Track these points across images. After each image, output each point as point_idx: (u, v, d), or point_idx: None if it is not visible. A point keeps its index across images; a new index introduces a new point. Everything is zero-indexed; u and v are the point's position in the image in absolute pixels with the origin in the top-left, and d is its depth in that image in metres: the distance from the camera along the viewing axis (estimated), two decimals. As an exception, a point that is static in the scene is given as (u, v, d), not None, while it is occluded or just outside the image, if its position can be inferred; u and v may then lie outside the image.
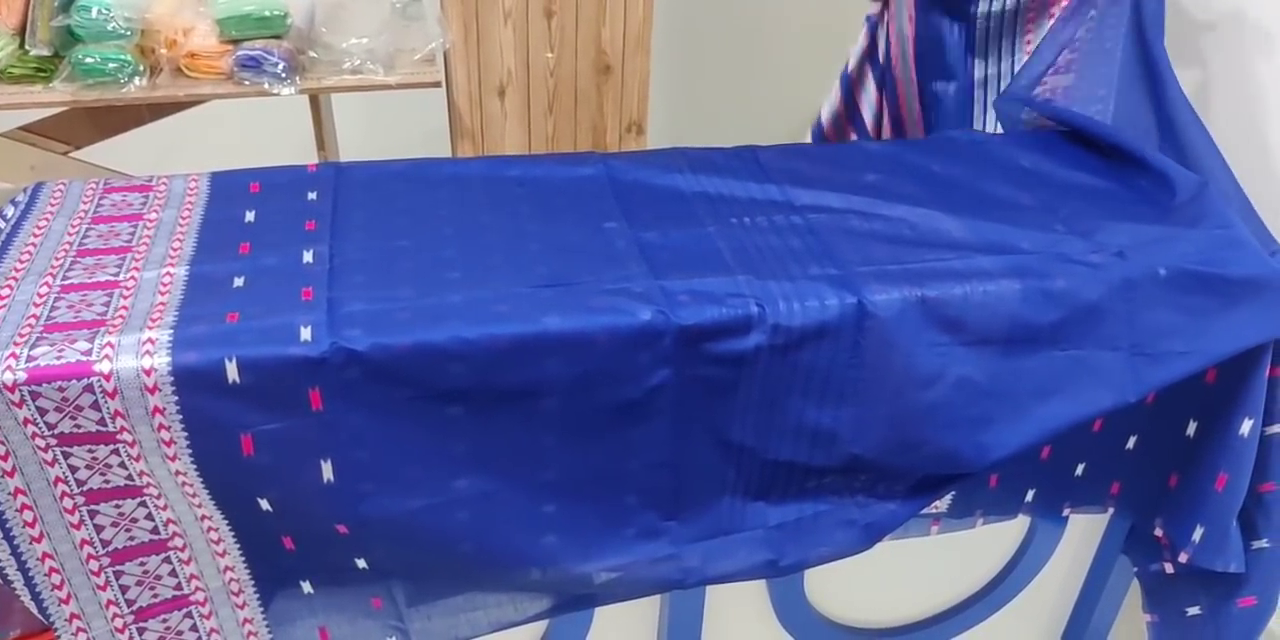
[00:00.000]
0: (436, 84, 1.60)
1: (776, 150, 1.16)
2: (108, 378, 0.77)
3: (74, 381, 0.77)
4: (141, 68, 1.52)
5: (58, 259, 0.92)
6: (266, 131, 2.02)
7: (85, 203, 1.01)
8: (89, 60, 1.49)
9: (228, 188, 1.04)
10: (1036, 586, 1.27)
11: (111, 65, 1.50)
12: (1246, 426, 1.01)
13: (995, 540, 1.24)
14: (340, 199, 1.02)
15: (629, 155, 1.15)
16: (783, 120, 2.13)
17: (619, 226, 0.99)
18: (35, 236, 0.95)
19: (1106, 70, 1.16)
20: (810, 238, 0.98)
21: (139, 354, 0.79)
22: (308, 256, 0.92)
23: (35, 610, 0.86)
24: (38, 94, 1.51)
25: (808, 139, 1.53)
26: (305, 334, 0.81)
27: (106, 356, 0.78)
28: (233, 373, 0.79)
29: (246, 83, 1.54)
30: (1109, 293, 0.94)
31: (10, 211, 1.01)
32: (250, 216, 0.99)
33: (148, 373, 0.78)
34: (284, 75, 1.53)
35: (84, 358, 0.78)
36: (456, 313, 0.85)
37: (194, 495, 0.85)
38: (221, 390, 0.79)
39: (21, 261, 0.91)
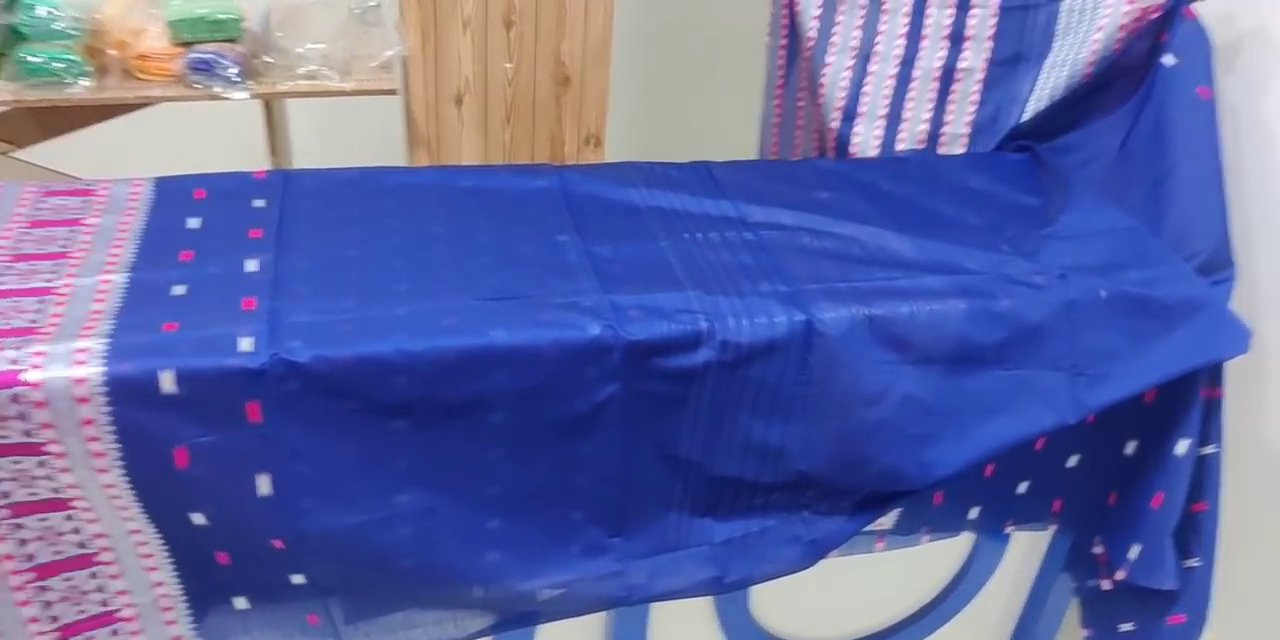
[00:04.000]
0: (392, 92, 1.59)
1: (731, 166, 1.16)
2: (36, 387, 0.75)
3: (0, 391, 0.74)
4: (89, 68, 1.48)
5: None
6: (218, 136, 1.99)
7: (22, 206, 0.98)
8: (34, 59, 1.46)
9: (172, 194, 1.02)
10: (980, 603, 1.28)
11: (58, 65, 1.46)
12: (1183, 447, 1.03)
13: (939, 557, 1.25)
14: (287, 207, 1.00)
15: (584, 168, 1.15)
16: (742, 133, 2.15)
17: (571, 239, 0.98)
18: None
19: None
20: (761, 254, 0.99)
21: (70, 363, 0.76)
22: (251, 265, 0.90)
23: (-48, 627, 0.83)
24: (-22, 92, 1.47)
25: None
26: (245, 345, 0.79)
27: (35, 366, 0.76)
28: (168, 384, 0.77)
29: (198, 86, 1.51)
30: (1052, 314, 0.96)
31: None
32: (194, 223, 0.97)
33: (79, 382, 0.76)
34: (237, 79, 1.51)
35: (11, 367, 0.75)
36: (402, 324, 0.84)
37: (125, 508, 0.82)
38: (156, 402, 0.77)
39: None
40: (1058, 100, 1.22)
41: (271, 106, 1.75)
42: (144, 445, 0.79)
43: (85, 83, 1.48)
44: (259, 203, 1.01)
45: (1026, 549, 1.25)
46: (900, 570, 1.23)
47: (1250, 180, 1.20)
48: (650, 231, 1.01)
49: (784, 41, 1.46)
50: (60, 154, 1.71)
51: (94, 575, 0.86)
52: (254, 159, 1.96)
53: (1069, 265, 0.99)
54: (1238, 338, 0.99)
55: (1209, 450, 1.06)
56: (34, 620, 0.85)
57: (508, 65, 1.61)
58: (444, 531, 0.90)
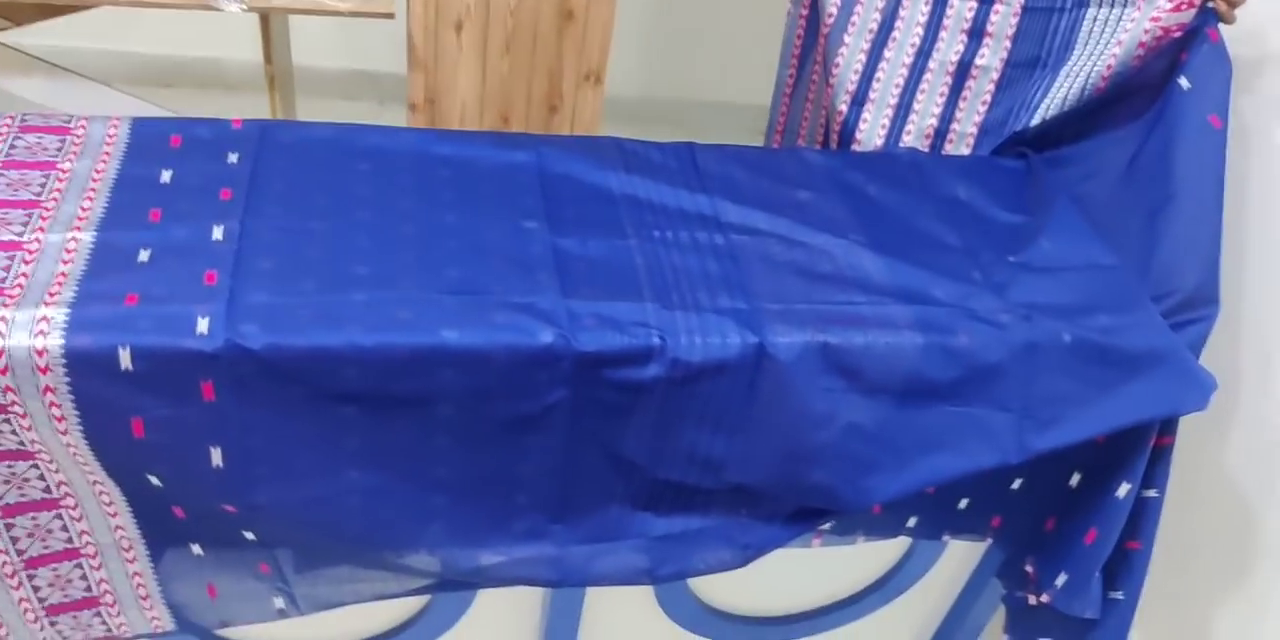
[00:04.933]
0: (389, 15, 1.55)
1: (715, 152, 1.14)
2: (-1, 354, 0.78)
3: (-37, 355, 0.78)
4: (90, -39, 1.45)
5: None
6: (218, 29, 1.94)
7: None
8: (34, -43, 1.43)
9: (147, 138, 1.01)
10: (911, 596, 1.34)
11: (55, -37, 1.43)
12: (1124, 490, 1.04)
13: (877, 550, 1.29)
14: (260, 165, 1.00)
15: (564, 142, 1.13)
16: (742, 79, 2.09)
17: (538, 227, 0.98)
18: None
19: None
20: (728, 262, 0.98)
21: (33, 333, 0.79)
22: (217, 232, 0.91)
23: (-76, 556, 0.89)
24: (-21, -25, 1.45)
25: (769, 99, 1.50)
26: (202, 326, 0.82)
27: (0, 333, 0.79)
28: (125, 360, 0.80)
29: None
30: (1010, 355, 0.95)
31: None
32: (166, 177, 0.97)
33: (39, 353, 0.78)
34: None
35: (-25, 331, 0.78)
36: (356, 316, 0.85)
37: (85, 464, 0.87)
38: (114, 375, 0.80)
39: None
40: (1067, 110, 1.18)
41: (269, 20, 1.71)
42: (102, 413, 0.82)
43: None
44: (233, 157, 1.00)
45: (963, 551, 1.29)
46: (838, 557, 1.28)
47: (1252, 204, 1.17)
48: (620, 225, 1.00)
49: (804, 12, 1.40)
50: (59, 31, 1.67)
51: (58, 516, 0.92)
52: (252, 63, 1.91)
53: (1037, 303, 0.98)
54: (1199, 393, 0.99)
55: (1151, 493, 1.07)
56: (1, 552, 0.91)
57: None
58: (391, 503, 0.94)
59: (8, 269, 0.85)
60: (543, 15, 1.60)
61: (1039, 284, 1.01)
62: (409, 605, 1.14)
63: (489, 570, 1.01)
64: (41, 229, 0.89)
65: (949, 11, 1.24)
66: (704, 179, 1.09)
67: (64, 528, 0.93)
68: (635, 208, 1.03)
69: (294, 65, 1.90)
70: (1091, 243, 1.07)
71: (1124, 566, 1.10)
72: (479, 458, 0.93)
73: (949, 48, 1.25)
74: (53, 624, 0.97)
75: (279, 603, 1.02)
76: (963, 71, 1.26)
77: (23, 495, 0.89)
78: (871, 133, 1.32)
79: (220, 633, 1.08)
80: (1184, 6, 1.08)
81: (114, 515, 0.93)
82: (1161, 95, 1.11)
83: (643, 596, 1.21)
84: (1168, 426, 1.03)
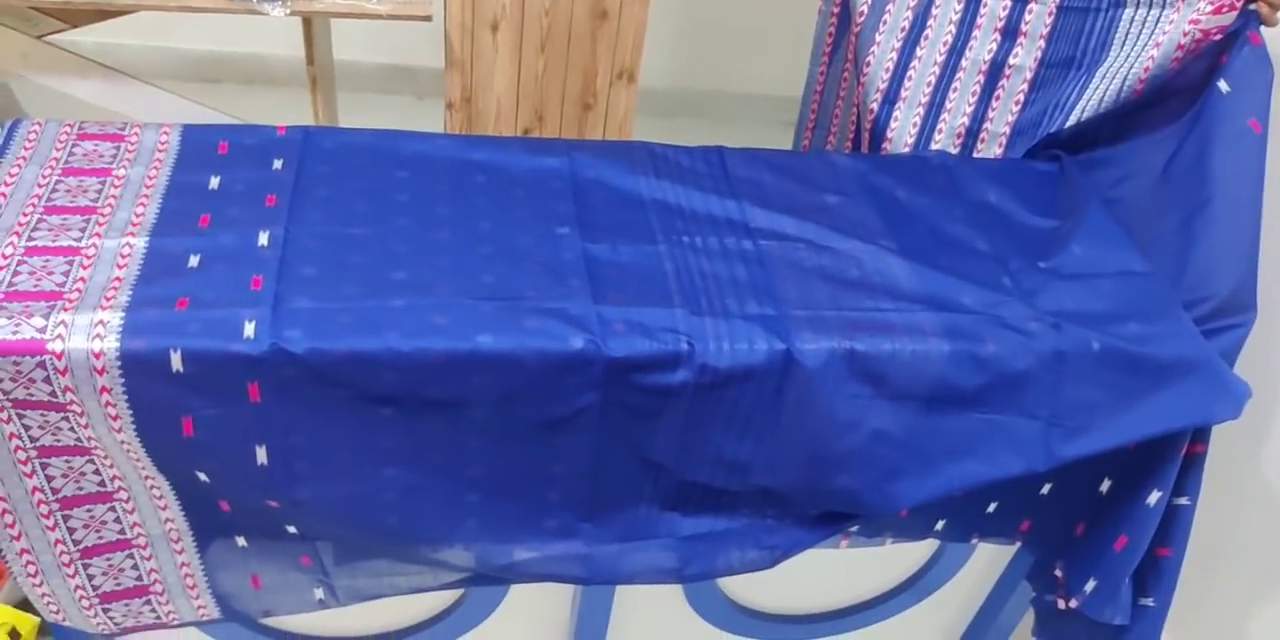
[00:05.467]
0: (426, 17, 1.58)
1: (744, 156, 1.15)
2: (59, 357, 0.82)
3: (28, 357, 0.82)
4: (140, -29, 1.50)
5: (25, 215, 0.95)
6: (261, 27, 1.98)
7: (58, 150, 1.03)
8: (84, -38, 1.47)
9: (197, 146, 1.05)
10: (940, 597, 1.34)
11: (107, -33, 1.48)
12: (1154, 497, 1.04)
13: (906, 550, 1.30)
14: (303, 171, 1.03)
15: (595, 147, 1.14)
16: (774, 77, 2.09)
17: (570, 233, 1.00)
18: (6, 186, 0.98)
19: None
20: (756, 268, 0.99)
21: (90, 336, 0.83)
22: (263, 238, 0.95)
23: (-11, 544, 0.94)
24: (38, -14, 1.51)
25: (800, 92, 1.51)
26: (249, 330, 0.85)
27: (59, 336, 0.82)
28: (177, 362, 0.83)
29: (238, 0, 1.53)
30: (1038, 363, 0.95)
31: None
32: (214, 183, 1.01)
33: (97, 356, 0.82)
34: None
35: (39, 335, 0.82)
36: (395, 321, 0.88)
37: (138, 460, 0.91)
38: (166, 377, 0.84)
39: None
40: (1103, 112, 1.17)
41: (311, 25, 1.75)
42: (154, 412, 0.86)
43: None
44: (277, 164, 1.04)
45: (993, 553, 1.30)
46: (868, 556, 1.29)
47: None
48: (650, 230, 1.02)
49: (836, 10, 1.40)
50: (109, 29, 1.73)
51: (112, 509, 0.96)
52: (295, 61, 1.95)
53: (1067, 311, 0.98)
54: (1231, 402, 0.98)
55: (1182, 501, 1.06)
56: (59, 542, 0.96)
57: None
58: (426, 500, 0.97)
59: (67, 273, 0.89)
60: (577, 15, 1.62)
61: (1069, 291, 1.01)
62: (444, 599, 1.17)
63: (520, 566, 1.04)
64: (98, 234, 0.93)
65: (983, 10, 1.23)
66: (733, 183, 1.10)
67: (117, 519, 0.97)
68: (665, 213, 1.05)
69: (334, 61, 1.94)
70: (1124, 248, 1.06)
71: (1154, 573, 1.10)
72: (511, 458, 0.96)
73: (982, 46, 1.24)
74: (105, 611, 1.02)
75: (319, 594, 1.06)
76: (996, 70, 1.25)
77: (79, 488, 0.93)
78: (903, 131, 1.32)
79: (263, 622, 1.12)
80: (1225, 9, 1.07)
81: (164, 508, 0.97)
82: (1200, 98, 1.09)
83: (672, 593, 1.24)
84: (1200, 435, 1.03)
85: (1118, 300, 1.00)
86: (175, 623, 1.06)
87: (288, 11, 1.54)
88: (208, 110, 1.79)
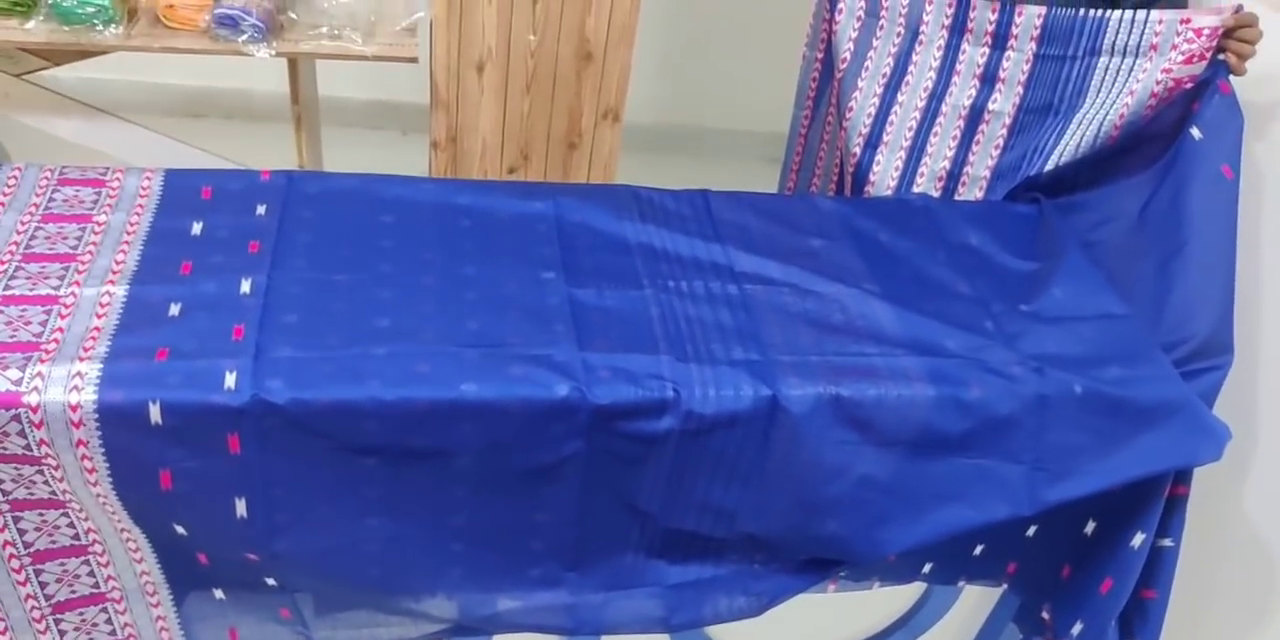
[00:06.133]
0: (413, 59, 1.60)
1: (729, 199, 1.16)
2: (35, 410, 0.81)
3: (3, 410, 0.80)
4: (118, 15, 1.51)
5: (3, 262, 0.94)
6: (246, 63, 2.00)
7: (38, 195, 1.03)
8: (66, 4, 1.48)
9: (180, 190, 1.05)
10: (928, 638, 1.34)
11: (89, 10, 1.49)
12: (1138, 540, 1.04)
13: (894, 592, 1.29)
14: (286, 217, 1.03)
15: (580, 190, 1.15)
16: (757, 116, 2.12)
17: (555, 278, 1.00)
18: None
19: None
20: (741, 313, 1.00)
21: (67, 388, 0.82)
22: (245, 286, 0.94)
23: (-42, 599, 0.92)
24: (13, 31, 1.51)
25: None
26: (229, 381, 0.84)
27: (35, 389, 0.81)
28: (155, 415, 0.82)
29: (222, 40, 1.54)
30: (1022, 407, 0.96)
31: None
32: (197, 229, 1.00)
33: (74, 408, 0.81)
34: (259, 36, 1.53)
35: (14, 387, 0.81)
36: (378, 370, 0.87)
37: (114, 513, 0.89)
38: (144, 429, 0.83)
39: None
40: (1080, 157, 1.19)
41: (296, 65, 1.76)
42: (132, 465, 0.84)
43: (115, 29, 1.51)
44: (261, 209, 1.04)
45: (980, 595, 1.29)
46: (855, 597, 1.28)
47: (1266, 250, 1.18)
48: (636, 275, 1.02)
49: (820, 56, 1.42)
50: (92, 64, 1.73)
51: (86, 562, 0.94)
52: (278, 98, 1.95)
53: (1049, 354, 0.99)
54: (1212, 444, 0.99)
55: (1166, 542, 1.07)
56: (30, 597, 0.94)
57: (531, 37, 1.60)
58: (409, 550, 0.96)
59: (44, 323, 0.88)
60: (562, 57, 1.64)
61: (1050, 334, 1.02)
62: (425, 649, 1.15)
63: (504, 616, 1.02)
64: (77, 283, 0.92)
65: (961, 57, 1.26)
66: (718, 227, 1.10)
67: (91, 573, 0.95)
68: (650, 257, 1.05)
69: (320, 96, 1.95)
70: (1103, 292, 1.08)
71: (1140, 615, 1.10)
72: (495, 507, 0.95)
73: (961, 92, 1.27)
74: (79, 667, 1.00)
75: (299, 646, 1.04)
76: (975, 115, 1.27)
77: (53, 542, 0.91)
78: (885, 175, 1.34)
79: (241, 674, 1.10)
80: (1195, 59, 1.09)
81: (139, 561, 0.95)
82: (1173, 145, 1.12)
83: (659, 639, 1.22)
84: (1183, 476, 1.03)
85: (1098, 343, 1.01)
86: (150, 677, 1.04)
87: (273, 53, 1.55)
88: (190, 148, 1.79)
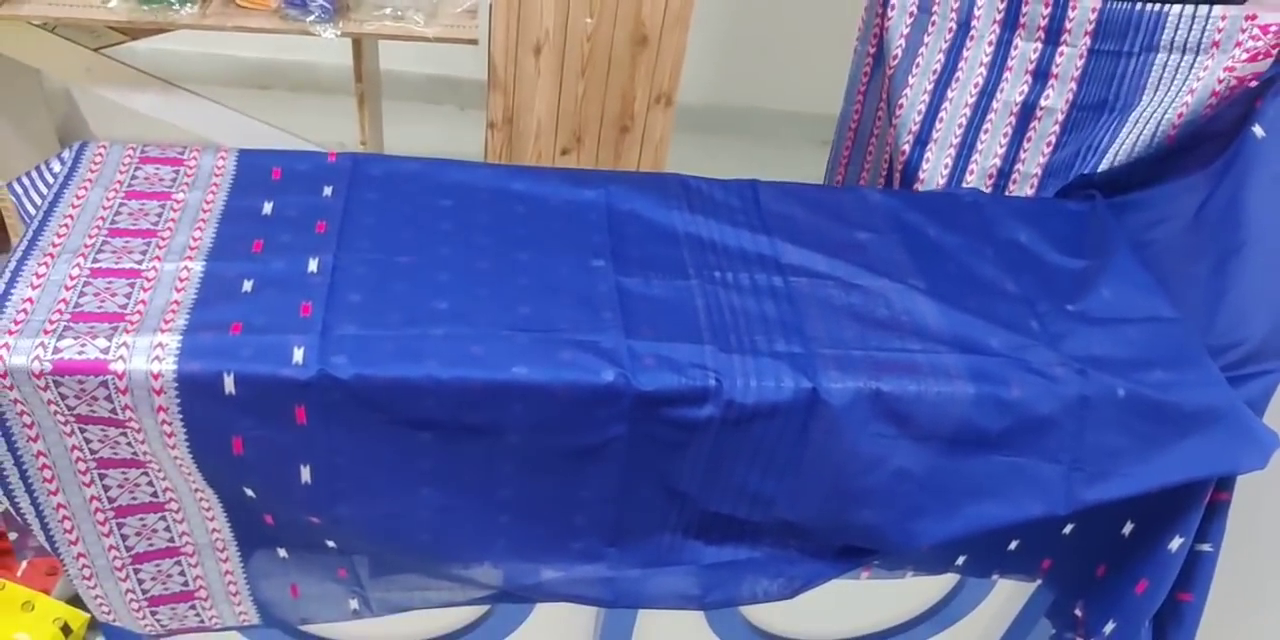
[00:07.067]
0: (473, 41, 1.63)
1: (777, 190, 1.17)
2: (121, 377, 0.87)
3: (92, 377, 0.87)
4: (196, -8, 1.57)
5: (91, 237, 1.00)
6: (313, 47, 2.05)
7: (121, 173, 1.09)
8: (146, -16, 1.54)
9: (251, 170, 1.10)
10: (959, 629, 1.35)
11: (167, -11, 1.55)
12: (1176, 544, 1.04)
13: (927, 582, 1.31)
14: (351, 199, 1.07)
15: (631, 179, 1.17)
16: (809, 101, 2.11)
17: (605, 266, 1.03)
18: (74, 208, 1.03)
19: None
20: (785, 305, 1.01)
21: (149, 358, 0.88)
22: (312, 265, 0.99)
23: (48, 547, 0.99)
24: (96, 10, 1.57)
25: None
26: (297, 356, 0.89)
27: (121, 357, 0.87)
28: (229, 385, 0.88)
29: (291, 19, 1.59)
30: (1062, 408, 0.97)
31: (57, 168, 1.09)
32: (268, 208, 1.05)
33: (155, 377, 0.87)
34: (326, 17, 1.57)
35: (102, 356, 0.87)
36: (435, 350, 0.92)
37: (189, 474, 0.96)
38: (219, 398, 0.88)
39: (59, 236, 1.00)
40: (1137, 156, 1.17)
41: (361, 44, 1.80)
42: (206, 431, 0.91)
43: (191, 8, 1.57)
44: (327, 190, 1.08)
45: (1013, 588, 1.30)
46: (889, 586, 1.30)
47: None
48: (683, 265, 1.05)
49: (871, 50, 1.41)
50: (165, 36, 1.79)
51: (163, 518, 1.01)
52: (342, 79, 1.98)
53: (1093, 356, 0.99)
54: (1258, 452, 0.99)
55: (1205, 548, 1.07)
56: (112, 548, 1.01)
57: (588, 20, 1.63)
58: (459, 520, 1.01)
59: (129, 295, 0.94)
60: (618, 41, 1.66)
61: (1096, 336, 1.02)
62: (472, 613, 1.21)
63: (546, 586, 1.07)
64: (159, 258, 0.98)
65: (1013, 53, 1.25)
66: (765, 218, 1.12)
67: (167, 528, 1.02)
68: (698, 247, 1.07)
69: (381, 70, 1.99)
70: (1152, 293, 1.07)
71: (1175, 618, 1.11)
72: (541, 483, 0.99)
73: (1013, 88, 1.25)
74: (153, 613, 1.07)
75: (354, 604, 1.10)
76: (1027, 112, 1.26)
77: (134, 498, 0.98)
78: (934, 173, 1.33)
79: (301, 629, 1.17)
80: (1260, 57, 1.07)
81: (211, 519, 1.01)
82: (1234, 144, 1.10)
83: (694, 617, 1.26)
84: (1225, 482, 1.03)
85: (1144, 346, 1.01)
86: (218, 627, 1.11)
87: (339, 33, 1.60)
88: (259, 123, 1.85)
